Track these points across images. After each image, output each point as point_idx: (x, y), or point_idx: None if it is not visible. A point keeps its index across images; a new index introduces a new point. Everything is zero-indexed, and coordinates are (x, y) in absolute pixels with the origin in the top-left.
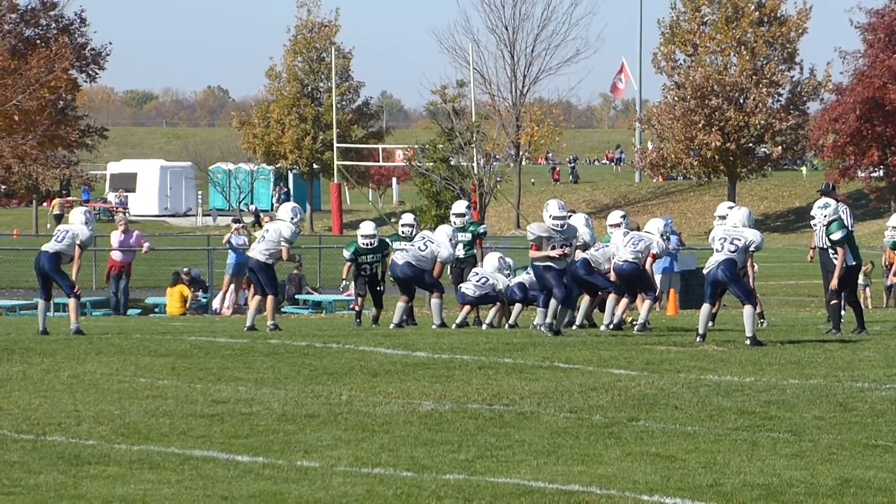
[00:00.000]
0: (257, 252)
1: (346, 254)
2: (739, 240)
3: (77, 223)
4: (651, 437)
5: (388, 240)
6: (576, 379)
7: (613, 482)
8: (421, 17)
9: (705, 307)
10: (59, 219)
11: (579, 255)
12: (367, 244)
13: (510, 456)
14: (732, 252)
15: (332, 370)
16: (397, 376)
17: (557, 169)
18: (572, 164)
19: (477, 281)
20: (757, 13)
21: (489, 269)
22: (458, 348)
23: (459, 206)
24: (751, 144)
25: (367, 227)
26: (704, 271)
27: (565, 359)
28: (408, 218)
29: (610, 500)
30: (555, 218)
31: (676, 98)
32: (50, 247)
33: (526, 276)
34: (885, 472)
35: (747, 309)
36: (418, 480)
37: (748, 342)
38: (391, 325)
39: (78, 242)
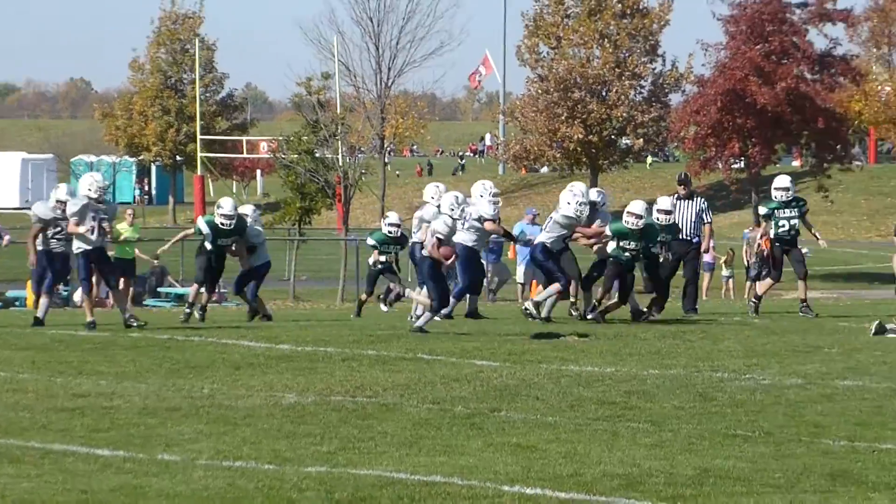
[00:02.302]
0: None
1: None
2: None
3: None
4: (512, 428)
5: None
6: (439, 370)
7: (475, 473)
8: (286, 9)
9: None
10: None
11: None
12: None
13: (372, 448)
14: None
15: (194, 363)
16: (260, 369)
17: (420, 167)
18: (462, 161)
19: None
20: (619, 5)
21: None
22: (321, 341)
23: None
24: (613, 137)
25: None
26: None
27: (428, 350)
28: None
29: (471, 490)
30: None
31: (540, 91)
32: None
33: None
34: (744, 461)
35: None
36: (280, 473)
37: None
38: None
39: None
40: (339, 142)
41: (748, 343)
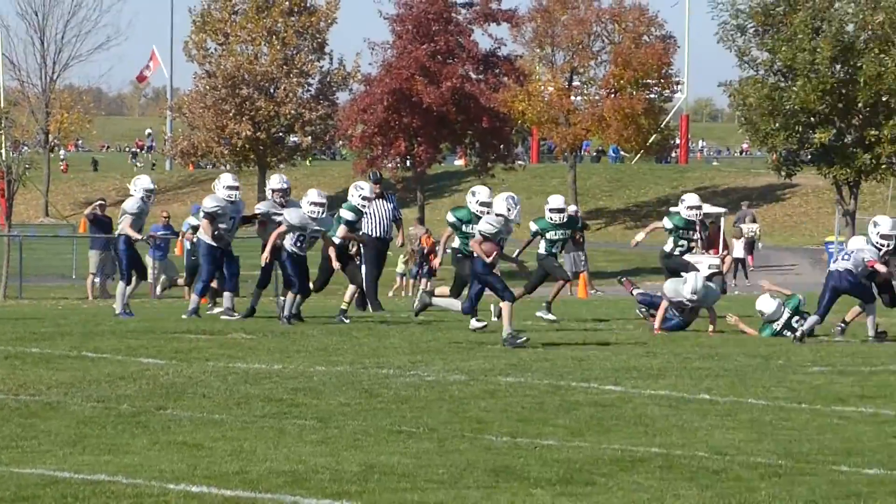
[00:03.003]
0: None
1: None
2: None
3: None
4: (178, 426)
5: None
6: (104, 368)
7: (140, 471)
8: None
9: None
10: None
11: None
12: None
13: (36, 446)
14: None
15: None
16: None
17: (66, 164)
18: (135, 156)
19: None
20: (287, 3)
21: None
22: None
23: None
24: (281, 134)
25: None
26: None
27: (93, 348)
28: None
29: (136, 489)
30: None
31: (208, 87)
32: None
33: None
34: (409, 457)
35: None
36: None
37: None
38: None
39: None
40: (3, 136)
41: (413, 339)
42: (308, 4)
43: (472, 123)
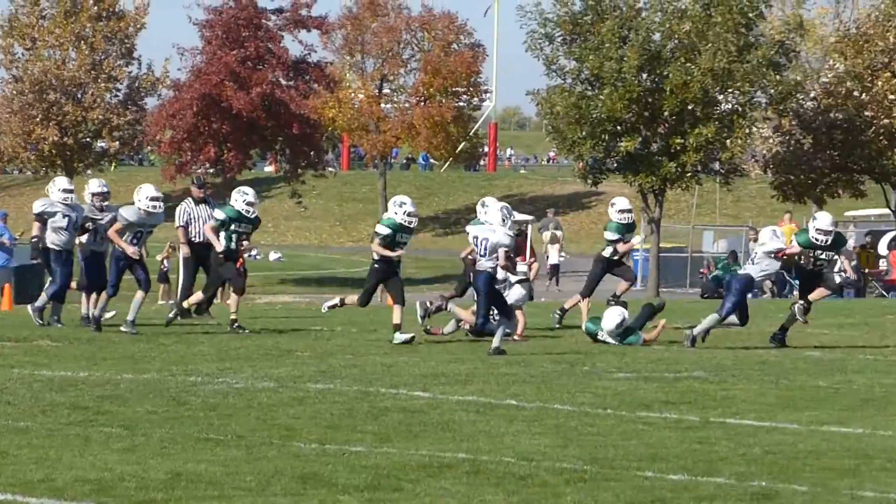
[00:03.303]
0: None
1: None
2: None
3: None
4: None
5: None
6: None
7: None
8: None
9: None
10: None
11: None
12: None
13: None
14: None
15: None
16: None
17: None
18: None
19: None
20: (96, 8)
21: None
22: None
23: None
24: (88, 139)
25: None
26: None
27: None
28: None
29: None
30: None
31: (14, 92)
32: None
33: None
34: (216, 465)
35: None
36: None
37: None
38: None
39: None
40: None
41: (222, 347)
42: (117, 10)
43: (283, 129)
